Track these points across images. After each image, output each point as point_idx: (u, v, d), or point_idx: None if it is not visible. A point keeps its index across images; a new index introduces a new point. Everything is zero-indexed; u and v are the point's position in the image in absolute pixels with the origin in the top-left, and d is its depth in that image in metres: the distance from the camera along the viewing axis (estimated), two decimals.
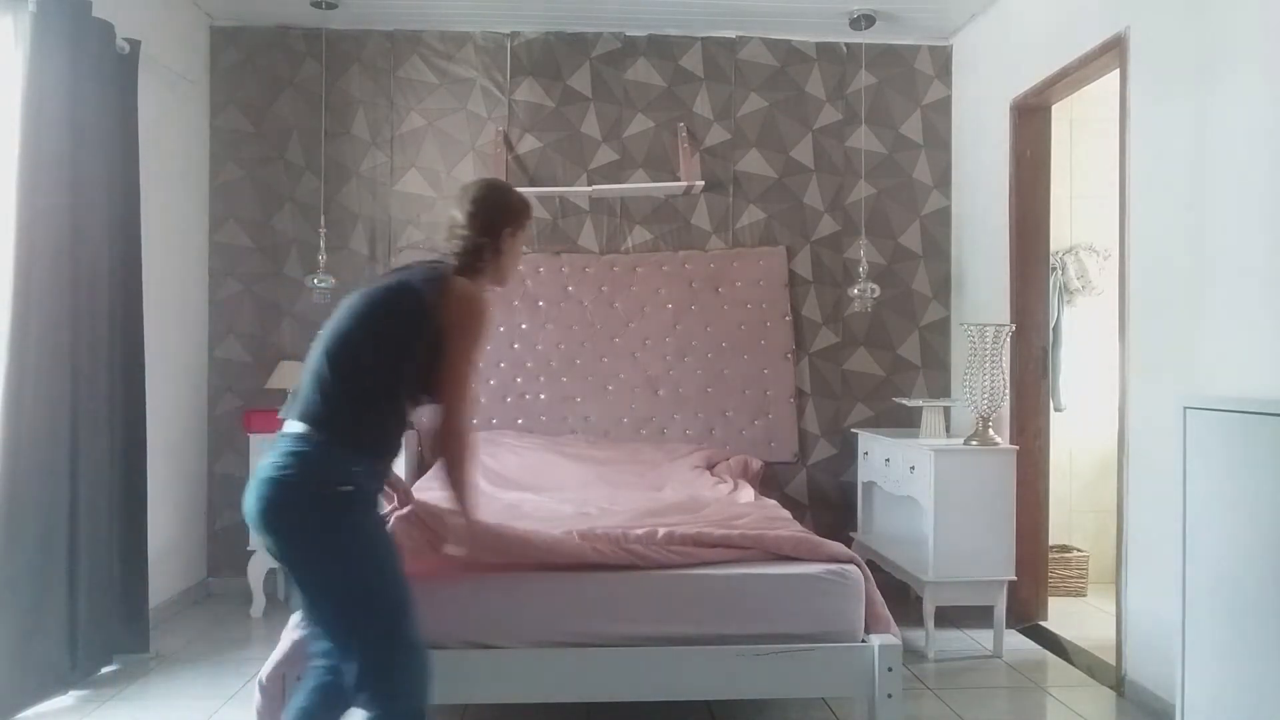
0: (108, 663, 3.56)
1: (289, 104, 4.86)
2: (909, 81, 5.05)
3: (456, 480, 2.29)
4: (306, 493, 2.11)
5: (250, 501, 2.12)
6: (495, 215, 2.33)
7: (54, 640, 3.25)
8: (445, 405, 2.21)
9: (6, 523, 3.06)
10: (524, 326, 4.85)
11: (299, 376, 2.27)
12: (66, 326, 3.29)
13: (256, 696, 2.51)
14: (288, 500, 2.10)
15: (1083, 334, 4.99)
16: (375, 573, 2.14)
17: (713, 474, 4.29)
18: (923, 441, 4.12)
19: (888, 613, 2.83)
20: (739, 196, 4.99)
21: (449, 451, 2.26)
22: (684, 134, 4.93)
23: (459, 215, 2.33)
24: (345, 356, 2.17)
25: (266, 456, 2.15)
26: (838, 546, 2.87)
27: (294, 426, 2.15)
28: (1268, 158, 2.75)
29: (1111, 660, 3.54)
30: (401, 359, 2.19)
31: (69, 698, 3.31)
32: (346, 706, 2.19)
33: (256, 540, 2.28)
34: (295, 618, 2.52)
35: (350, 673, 2.10)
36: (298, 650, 2.45)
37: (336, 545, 2.10)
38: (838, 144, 5.02)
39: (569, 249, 4.93)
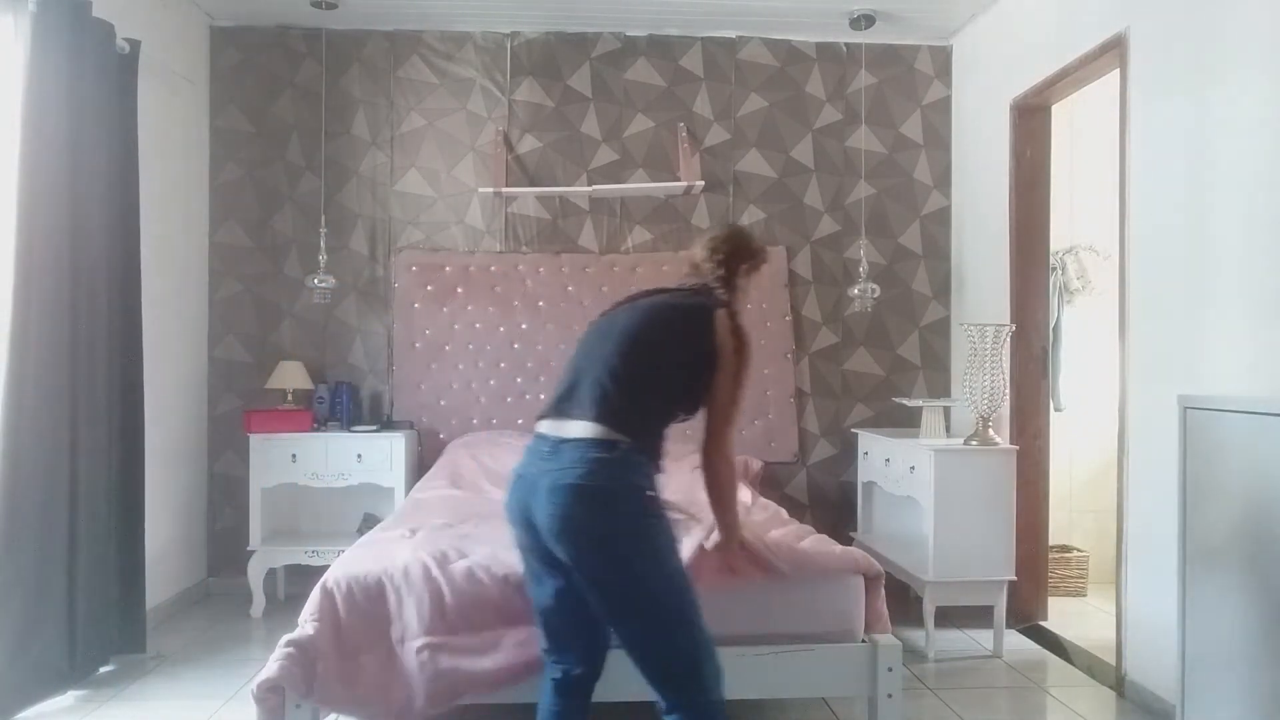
0: (105, 663, 3.56)
1: (289, 104, 4.86)
2: (909, 81, 5.05)
3: (725, 500, 2.39)
4: (620, 498, 2.15)
5: (547, 509, 2.12)
6: (730, 252, 2.46)
7: (52, 640, 3.25)
8: (717, 428, 2.30)
9: (5, 523, 3.06)
10: (524, 326, 4.85)
11: (559, 378, 2.33)
12: (66, 326, 3.29)
13: (255, 708, 2.50)
14: (600, 506, 2.12)
15: (1083, 334, 4.98)
16: (679, 573, 2.20)
17: None
18: (923, 441, 4.12)
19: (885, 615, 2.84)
20: (739, 196, 4.99)
21: (721, 473, 2.34)
22: (684, 134, 4.93)
23: (702, 253, 2.46)
24: (641, 367, 2.25)
25: (544, 461, 2.17)
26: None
27: (583, 430, 2.16)
28: (1267, 157, 2.75)
29: (1111, 660, 3.54)
30: (686, 375, 2.28)
31: (68, 698, 3.31)
32: (588, 700, 2.32)
33: (529, 545, 2.23)
34: (287, 636, 2.52)
35: (655, 678, 2.15)
36: (288, 673, 2.44)
37: (649, 548, 2.15)
38: (838, 144, 5.02)
39: (569, 249, 4.93)
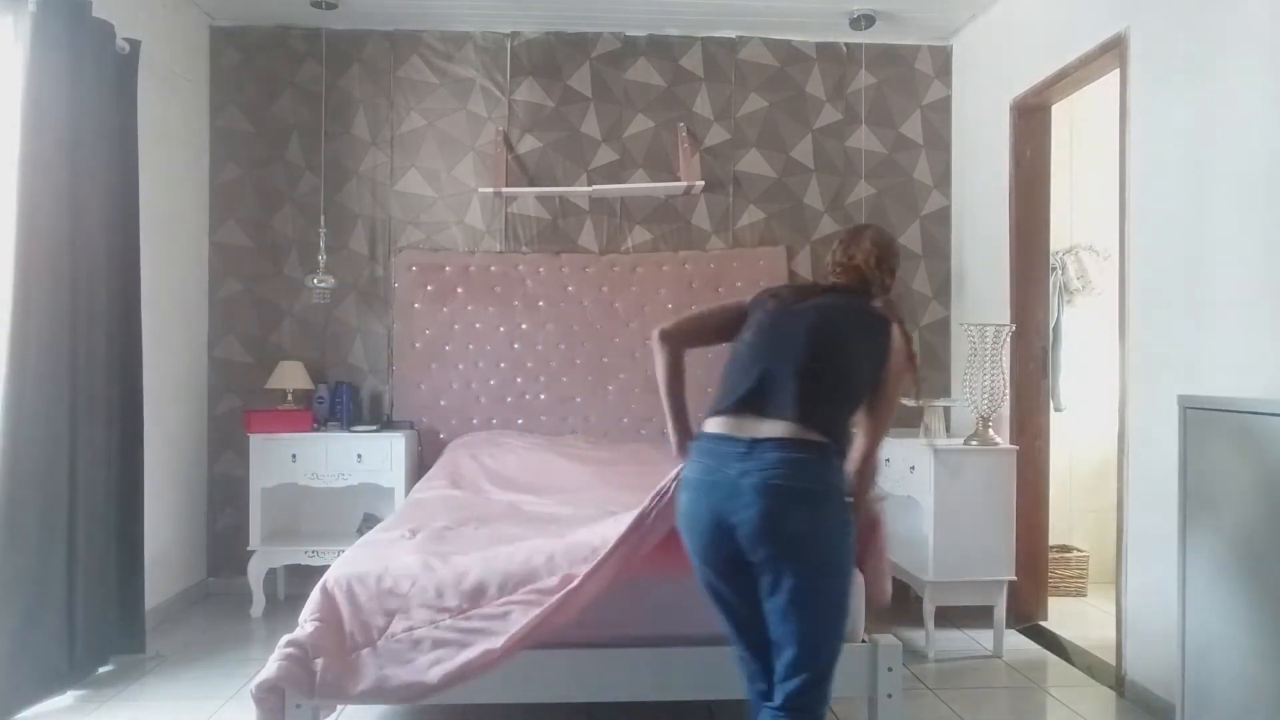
0: (104, 663, 3.56)
1: (289, 104, 4.86)
2: (909, 81, 5.05)
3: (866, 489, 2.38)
4: (828, 499, 2.16)
5: (752, 510, 2.11)
6: (894, 261, 2.48)
7: (51, 640, 3.25)
8: (878, 432, 2.32)
9: (5, 523, 3.06)
10: (524, 326, 4.85)
11: (735, 375, 2.28)
12: (66, 326, 3.29)
13: (255, 709, 2.49)
14: (809, 507, 2.13)
15: (1083, 334, 4.98)
16: (851, 582, 2.24)
17: None
18: (923, 441, 4.11)
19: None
20: (739, 196, 4.99)
21: (871, 469, 2.35)
22: (684, 134, 4.93)
23: (868, 259, 2.42)
24: (832, 367, 2.24)
25: (741, 462, 2.14)
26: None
27: (783, 430, 2.15)
28: (1267, 157, 2.75)
29: (1111, 660, 3.54)
30: (871, 380, 2.29)
31: (68, 698, 3.31)
32: None
33: (719, 551, 2.20)
34: (288, 636, 2.52)
35: (796, 674, 2.15)
36: (288, 673, 2.42)
37: (841, 551, 2.17)
38: (838, 144, 5.02)
39: (569, 249, 4.93)
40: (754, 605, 2.21)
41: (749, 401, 2.20)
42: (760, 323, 2.34)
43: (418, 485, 4.13)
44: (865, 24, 4.69)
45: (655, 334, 2.44)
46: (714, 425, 2.23)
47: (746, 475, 2.12)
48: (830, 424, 2.19)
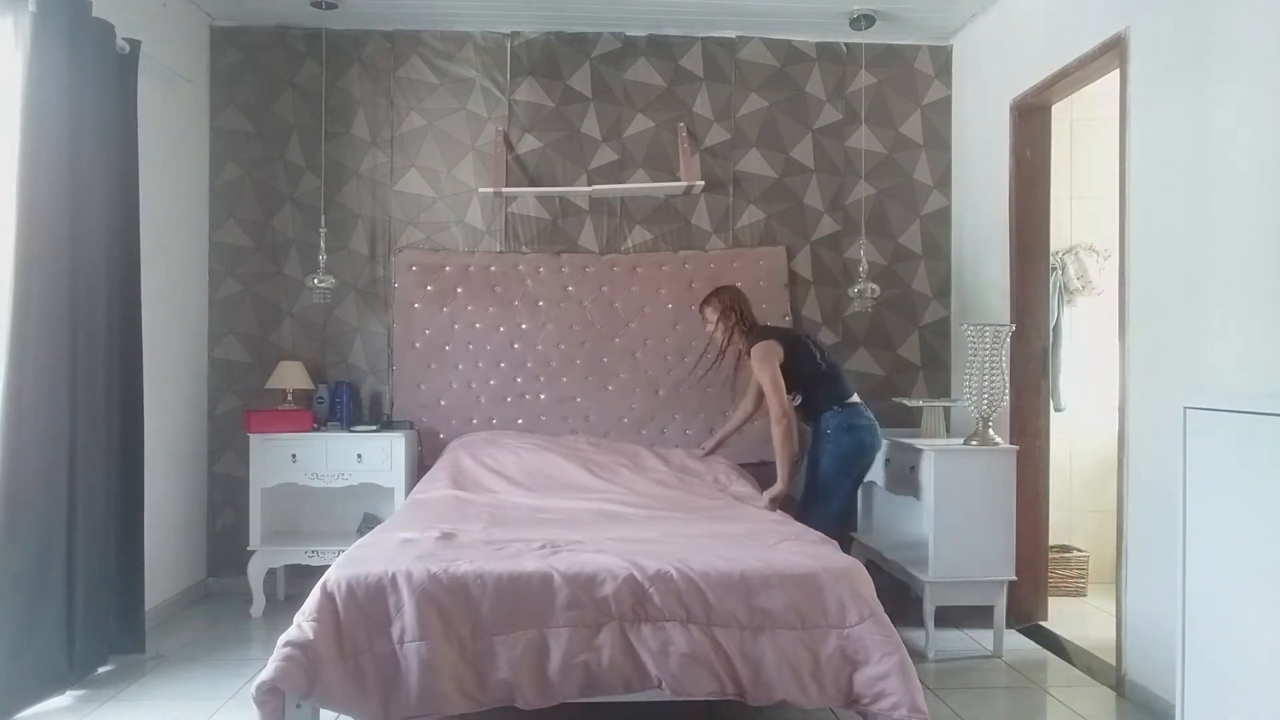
0: (104, 663, 3.56)
1: (289, 104, 4.86)
2: (909, 81, 5.05)
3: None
4: None
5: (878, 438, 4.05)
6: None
7: (51, 640, 3.24)
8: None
9: (5, 523, 3.05)
10: (524, 326, 4.85)
11: (836, 369, 4.17)
12: (65, 326, 3.29)
13: (256, 711, 2.48)
14: None
15: (1083, 334, 4.98)
16: None
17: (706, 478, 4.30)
18: (923, 441, 4.12)
19: None
20: (739, 196, 4.99)
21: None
22: (684, 134, 4.93)
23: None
24: None
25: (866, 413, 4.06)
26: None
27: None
28: (1267, 157, 2.75)
29: (1111, 660, 3.54)
30: None
31: (67, 698, 3.31)
32: None
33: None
34: (285, 636, 2.51)
35: None
36: (285, 674, 2.42)
37: None
38: (838, 144, 5.02)
39: (569, 249, 4.93)
40: None
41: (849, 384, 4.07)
42: (817, 349, 4.10)
43: (418, 486, 4.14)
44: (865, 24, 4.69)
45: (789, 415, 3.99)
46: (854, 398, 4.05)
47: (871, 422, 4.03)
48: None
